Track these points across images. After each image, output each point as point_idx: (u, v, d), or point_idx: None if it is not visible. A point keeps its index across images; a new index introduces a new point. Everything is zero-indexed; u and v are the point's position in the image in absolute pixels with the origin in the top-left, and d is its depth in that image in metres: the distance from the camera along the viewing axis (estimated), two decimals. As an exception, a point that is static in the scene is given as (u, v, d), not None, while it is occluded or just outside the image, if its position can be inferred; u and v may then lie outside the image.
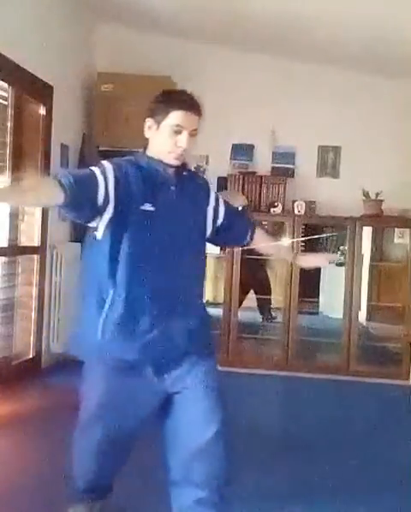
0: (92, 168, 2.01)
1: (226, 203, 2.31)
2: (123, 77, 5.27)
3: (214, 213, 2.24)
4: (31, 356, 4.62)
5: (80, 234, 5.28)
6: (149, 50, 5.40)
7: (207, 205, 2.23)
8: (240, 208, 2.34)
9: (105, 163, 2.04)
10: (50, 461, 3.08)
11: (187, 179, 2.18)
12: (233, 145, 5.52)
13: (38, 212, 4.62)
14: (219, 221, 2.25)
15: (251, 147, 5.48)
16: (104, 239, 2.01)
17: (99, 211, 1.97)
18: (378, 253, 5.57)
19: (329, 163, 5.51)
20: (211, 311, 5.36)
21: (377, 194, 5.13)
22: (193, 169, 2.27)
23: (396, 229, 5.60)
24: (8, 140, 4.18)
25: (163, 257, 2.02)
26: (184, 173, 2.17)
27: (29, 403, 3.97)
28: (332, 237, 5.68)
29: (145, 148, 2.18)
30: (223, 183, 5.51)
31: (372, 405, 4.32)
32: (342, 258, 2.97)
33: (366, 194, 5.15)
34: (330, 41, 4.76)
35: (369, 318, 6.07)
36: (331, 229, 5.46)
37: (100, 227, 2.00)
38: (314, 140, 5.45)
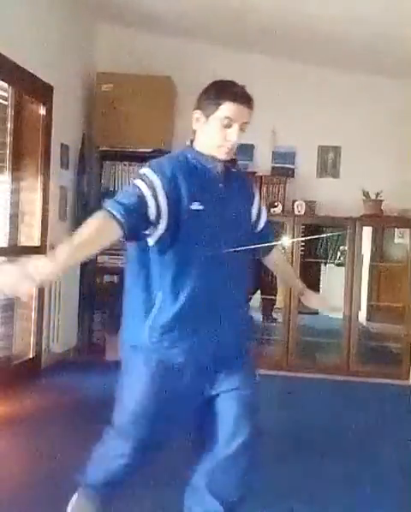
0: (139, 184, 1.90)
1: (264, 212, 2.22)
2: (123, 77, 5.27)
3: (256, 216, 2.16)
4: (31, 356, 4.62)
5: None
6: (149, 50, 5.40)
7: (252, 205, 2.15)
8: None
9: (150, 174, 1.93)
10: (50, 461, 3.08)
11: (235, 176, 2.07)
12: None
13: (38, 212, 4.62)
14: (259, 226, 2.17)
15: (251, 147, 5.47)
16: (154, 242, 1.95)
17: (154, 225, 1.90)
18: (378, 253, 5.57)
19: (329, 163, 5.51)
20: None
21: (377, 194, 5.13)
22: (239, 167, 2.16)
23: (396, 229, 5.60)
24: (8, 140, 4.18)
25: (211, 257, 1.94)
26: (233, 169, 2.06)
27: (29, 403, 3.97)
28: (332, 237, 5.67)
29: (192, 141, 2.11)
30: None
31: (372, 405, 4.32)
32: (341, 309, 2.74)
33: (366, 194, 5.15)
34: (330, 41, 4.76)
35: (369, 318, 6.06)
36: (331, 229, 5.46)
37: (153, 235, 1.92)
38: (314, 140, 5.45)
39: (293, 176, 5.52)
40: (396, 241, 5.62)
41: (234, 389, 2.01)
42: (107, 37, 5.54)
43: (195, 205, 1.90)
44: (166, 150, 5.40)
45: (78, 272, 5.15)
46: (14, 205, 4.28)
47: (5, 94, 4.17)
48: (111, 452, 2.15)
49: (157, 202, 1.87)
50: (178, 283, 1.91)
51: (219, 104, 1.96)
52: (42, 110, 4.61)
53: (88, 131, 5.42)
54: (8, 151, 4.18)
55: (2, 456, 3.19)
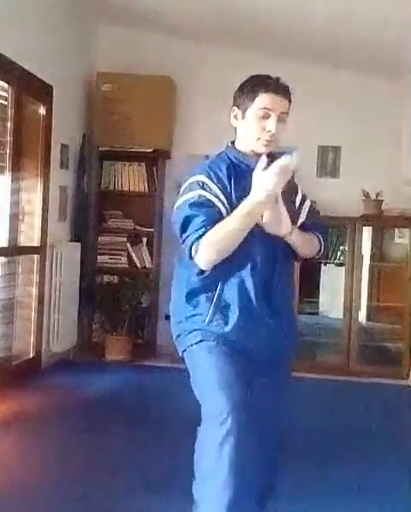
0: (202, 193, 1.93)
1: (309, 201, 2.20)
2: (123, 77, 5.27)
3: (298, 211, 2.14)
4: (31, 356, 4.62)
5: (79, 234, 5.29)
6: (149, 50, 5.40)
7: (295, 201, 2.14)
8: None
9: (206, 180, 1.96)
10: (51, 461, 3.09)
11: None
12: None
13: (38, 212, 4.62)
14: (300, 220, 2.13)
15: (251, 147, 5.47)
16: None
17: None
18: (378, 253, 5.57)
19: (329, 163, 5.51)
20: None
21: (377, 194, 5.12)
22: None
23: (396, 229, 5.60)
24: (8, 140, 4.18)
25: (259, 256, 1.98)
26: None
27: (29, 403, 3.97)
28: (332, 237, 5.66)
29: (233, 142, 2.09)
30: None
31: (372, 405, 4.32)
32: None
33: (366, 194, 5.15)
34: (330, 42, 4.76)
35: (369, 318, 6.06)
36: (331, 229, 5.45)
37: None
38: (314, 140, 5.45)
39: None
40: (396, 241, 5.62)
41: (266, 399, 2.03)
42: (107, 37, 5.54)
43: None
44: (166, 150, 5.42)
45: (78, 272, 5.15)
46: (14, 205, 4.28)
47: (5, 94, 4.17)
48: (215, 439, 1.89)
49: (224, 206, 1.93)
50: (230, 280, 1.97)
51: (255, 97, 1.96)
52: (42, 110, 4.61)
53: (88, 131, 5.42)
54: (8, 151, 4.18)
55: (2, 456, 3.19)
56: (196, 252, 1.89)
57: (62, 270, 4.85)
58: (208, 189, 1.93)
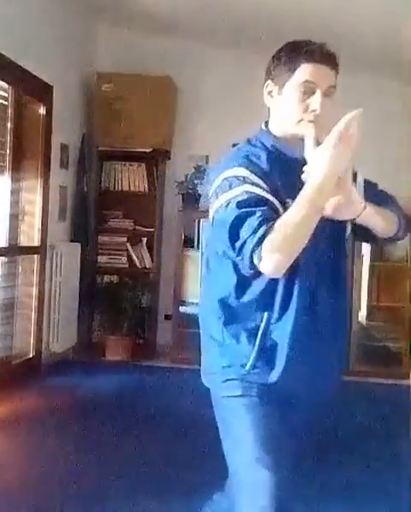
0: (251, 190, 1.51)
1: (370, 185, 1.79)
2: (123, 77, 5.27)
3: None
4: (31, 356, 4.62)
5: (79, 234, 5.29)
6: (149, 50, 5.39)
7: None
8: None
9: (248, 174, 1.54)
10: (50, 461, 3.08)
11: None
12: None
13: (38, 212, 4.62)
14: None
15: (251, 147, 5.47)
16: None
17: None
18: (378, 253, 5.56)
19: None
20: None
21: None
22: None
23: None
24: (8, 140, 4.18)
25: (313, 266, 1.58)
26: None
27: (29, 403, 3.97)
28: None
29: (266, 123, 1.70)
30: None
31: (372, 405, 4.32)
32: None
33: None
34: (330, 42, 4.75)
35: (369, 318, 6.06)
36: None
37: None
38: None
39: None
40: (396, 240, 5.62)
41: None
42: (107, 37, 5.54)
43: (289, 203, 1.50)
44: (166, 150, 5.42)
45: (78, 272, 5.15)
46: (14, 205, 4.28)
47: (5, 94, 4.18)
48: None
49: (279, 201, 1.54)
50: (288, 299, 1.56)
51: (295, 68, 1.56)
52: (42, 110, 4.61)
53: (88, 131, 5.42)
54: (8, 151, 4.18)
55: (2, 456, 3.19)
56: (260, 259, 1.45)
57: (62, 270, 4.85)
58: (254, 183, 1.52)
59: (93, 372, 4.81)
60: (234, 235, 1.50)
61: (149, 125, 5.15)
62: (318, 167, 1.46)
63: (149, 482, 2.88)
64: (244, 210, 1.49)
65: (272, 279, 1.54)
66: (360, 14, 4.17)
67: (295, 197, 1.47)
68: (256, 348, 1.58)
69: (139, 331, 5.43)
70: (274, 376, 1.58)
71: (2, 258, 4.22)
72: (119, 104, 5.19)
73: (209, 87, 5.48)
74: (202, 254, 5.53)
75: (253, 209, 1.48)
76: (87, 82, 5.43)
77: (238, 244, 1.49)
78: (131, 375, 4.81)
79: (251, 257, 1.47)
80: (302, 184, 1.48)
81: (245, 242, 1.47)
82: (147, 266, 5.50)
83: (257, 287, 1.58)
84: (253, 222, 1.47)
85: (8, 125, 4.19)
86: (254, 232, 1.46)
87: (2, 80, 4.08)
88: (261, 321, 1.57)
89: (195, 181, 5.37)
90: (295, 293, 1.56)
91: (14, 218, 4.31)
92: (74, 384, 4.48)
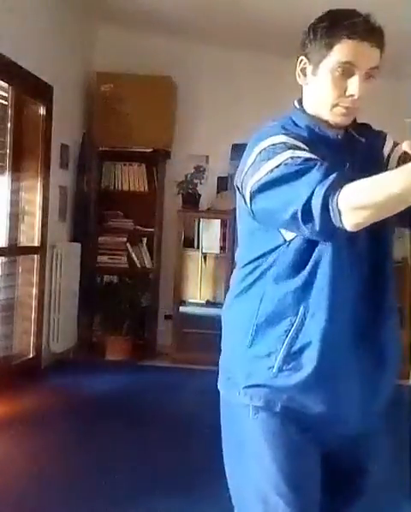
0: (299, 155, 1.29)
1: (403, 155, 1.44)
2: (123, 77, 5.27)
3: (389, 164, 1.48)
4: (31, 356, 4.61)
5: (79, 234, 5.29)
6: (149, 50, 5.39)
7: (383, 155, 1.50)
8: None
9: (291, 141, 1.33)
10: (50, 461, 3.09)
11: (366, 148, 1.46)
12: (233, 145, 5.51)
13: (38, 212, 4.62)
14: None
15: (251, 147, 5.47)
16: (292, 242, 1.38)
17: None
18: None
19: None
20: (211, 311, 5.43)
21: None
22: (366, 126, 1.55)
23: (396, 229, 5.60)
24: (8, 140, 4.18)
25: (349, 265, 1.39)
26: (361, 139, 1.46)
27: (29, 403, 3.97)
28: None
29: (300, 100, 1.48)
30: (223, 183, 5.52)
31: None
32: None
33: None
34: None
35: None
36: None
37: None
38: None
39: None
40: (396, 240, 5.63)
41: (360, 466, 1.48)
42: (107, 37, 5.54)
43: None
44: (166, 150, 5.42)
45: (78, 272, 5.15)
46: (14, 205, 4.28)
47: (5, 94, 4.18)
48: None
49: None
50: (320, 298, 1.36)
51: (332, 44, 1.35)
52: (42, 110, 4.61)
53: (88, 131, 5.42)
54: (8, 151, 4.18)
55: (2, 456, 3.19)
56: (337, 207, 1.19)
57: (62, 270, 4.85)
58: (300, 148, 1.31)
59: (93, 372, 4.80)
60: (288, 197, 1.25)
61: (149, 125, 5.15)
62: None
63: (149, 482, 2.88)
64: (299, 166, 1.26)
65: (310, 269, 1.35)
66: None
67: None
68: (285, 346, 1.36)
69: (139, 331, 5.43)
70: (301, 377, 1.35)
71: (2, 258, 4.22)
72: (119, 103, 5.19)
73: (209, 87, 5.48)
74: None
75: (309, 164, 1.25)
76: (87, 82, 5.43)
77: (297, 204, 1.23)
78: (131, 375, 4.81)
79: (324, 208, 1.20)
80: (336, 165, 1.28)
81: (313, 194, 1.21)
82: (147, 266, 5.50)
83: (296, 279, 1.37)
84: (315, 173, 1.23)
85: (9, 125, 4.19)
86: (322, 180, 1.21)
87: (2, 80, 4.08)
88: (295, 316, 1.37)
89: (195, 181, 5.37)
90: (330, 287, 1.35)
91: (14, 218, 4.31)
92: (74, 384, 4.48)
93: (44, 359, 4.76)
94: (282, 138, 1.34)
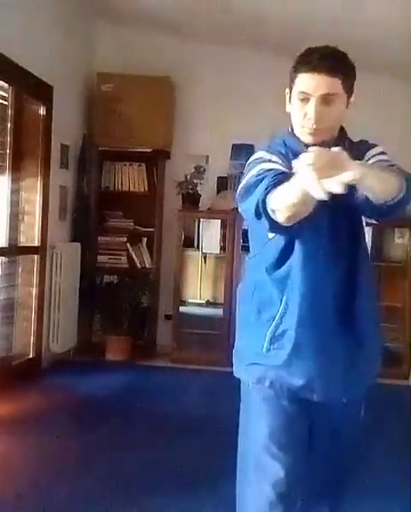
0: (270, 166, 1.60)
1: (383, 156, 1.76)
2: (123, 77, 5.27)
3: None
4: (31, 356, 4.62)
5: (79, 234, 5.29)
6: (149, 50, 5.39)
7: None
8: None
9: (268, 155, 1.66)
10: (50, 461, 3.09)
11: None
12: (233, 145, 5.52)
13: (38, 212, 4.63)
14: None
15: (251, 147, 5.47)
16: (274, 239, 1.67)
17: None
18: (378, 253, 5.56)
19: (329, 162, 5.49)
20: (211, 311, 5.44)
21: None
22: (360, 143, 1.82)
23: (396, 229, 5.60)
24: (8, 140, 4.18)
25: (324, 258, 1.63)
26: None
27: (29, 403, 3.97)
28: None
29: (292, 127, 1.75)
30: (223, 183, 5.52)
31: (371, 405, 4.31)
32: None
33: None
34: (331, 41, 4.74)
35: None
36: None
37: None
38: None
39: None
40: (396, 241, 5.61)
41: (334, 429, 1.79)
42: (107, 37, 5.54)
43: None
44: (166, 150, 5.42)
45: (78, 272, 5.15)
46: (14, 205, 4.28)
47: (5, 94, 4.17)
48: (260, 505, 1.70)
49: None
50: (295, 288, 1.63)
51: (295, 77, 1.64)
52: (42, 110, 4.61)
53: (88, 131, 5.42)
54: (8, 151, 4.18)
55: (3, 456, 3.19)
56: (266, 205, 1.50)
57: (62, 270, 4.85)
58: (271, 160, 1.63)
59: (93, 372, 4.80)
60: (250, 195, 1.57)
61: (149, 125, 5.15)
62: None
63: (149, 482, 2.88)
64: (261, 176, 1.57)
65: (289, 263, 1.63)
66: (362, 15, 4.17)
67: None
68: (271, 329, 1.66)
69: (139, 331, 5.43)
70: (282, 358, 1.65)
71: (2, 258, 4.22)
72: (119, 104, 5.19)
73: (209, 87, 5.48)
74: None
75: (268, 174, 1.56)
76: (87, 82, 5.43)
77: (251, 198, 1.55)
78: (131, 375, 4.81)
79: (261, 203, 1.50)
80: None
81: (258, 191, 1.53)
82: (147, 266, 5.50)
83: (279, 270, 1.66)
84: (266, 181, 1.53)
85: (8, 125, 4.19)
86: (267, 185, 1.51)
87: (2, 80, 4.08)
88: (279, 305, 1.65)
89: (195, 181, 5.37)
90: (303, 277, 1.62)
91: (14, 218, 4.30)
92: (74, 383, 4.48)
93: (44, 359, 4.76)
94: (261, 153, 1.68)
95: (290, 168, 1.51)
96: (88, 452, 3.23)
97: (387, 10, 4.02)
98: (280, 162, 1.62)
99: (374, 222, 1.77)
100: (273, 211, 1.49)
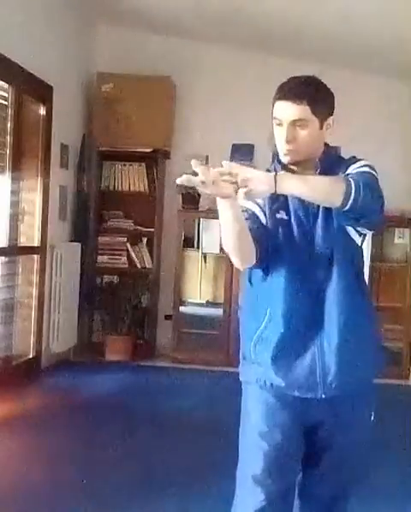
0: (244, 204, 1.77)
1: (360, 168, 1.84)
2: (123, 77, 5.27)
3: None
4: (31, 356, 4.62)
5: (79, 234, 5.29)
6: (149, 50, 5.40)
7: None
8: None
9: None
10: (50, 461, 3.09)
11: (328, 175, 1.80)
12: (233, 145, 5.51)
13: (38, 212, 4.63)
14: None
15: (251, 147, 5.47)
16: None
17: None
18: (378, 254, 5.56)
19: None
20: (211, 311, 5.43)
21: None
22: (346, 159, 1.92)
23: (396, 230, 5.60)
24: (8, 140, 4.18)
25: (305, 268, 1.76)
26: (317, 172, 1.82)
27: (29, 403, 3.97)
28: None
29: None
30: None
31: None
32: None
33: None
34: (331, 41, 4.76)
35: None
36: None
37: None
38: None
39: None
40: (396, 241, 5.61)
41: (333, 435, 1.83)
42: (107, 37, 5.54)
43: (281, 214, 1.79)
44: (166, 150, 5.42)
45: (78, 272, 5.16)
46: (14, 205, 4.28)
47: (5, 94, 4.17)
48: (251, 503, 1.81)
49: (263, 212, 1.80)
50: (277, 297, 1.78)
51: (274, 103, 1.82)
52: (42, 110, 4.61)
53: (88, 131, 5.42)
54: (8, 151, 4.18)
55: (3, 456, 3.19)
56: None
57: (62, 270, 4.85)
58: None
59: (93, 372, 4.81)
60: None
61: (149, 125, 5.15)
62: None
63: (148, 482, 2.88)
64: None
65: (273, 279, 1.79)
66: (362, 14, 4.17)
67: (286, 209, 1.78)
68: (254, 336, 1.82)
69: (139, 331, 5.43)
70: (265, 364, 1.80)
71: (2, 258, 4.22)
72: (119, 104, 5.19)
73: (209, 88, 5.48)
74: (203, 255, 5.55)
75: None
76: (87, 82, 5.43)
77: None
78: (131, 375, 4.81)
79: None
80: (292, 198, 1.76)
81: None
82: (147, 266, 5.50)
83: (263, 285, 1.83)
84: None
85: (8, 125, 4.19)
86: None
87: (2, 80, 4.08)
88: (265, 314, 1.80)
89: (195, 181, 5.37)
90: (284, 292, 1.78)
91: (14, 218, 4.30)
92: (74, 383, 4.48)
93: (44, 359, 4.76)
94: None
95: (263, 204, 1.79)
96: (88, 452, 3.23)
97: (387, 10, 4.02)
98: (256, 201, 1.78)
99: (368, 231, 1.84)
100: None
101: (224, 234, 1.73)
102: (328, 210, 1.74)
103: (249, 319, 1.88)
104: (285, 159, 1.81)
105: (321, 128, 1.81)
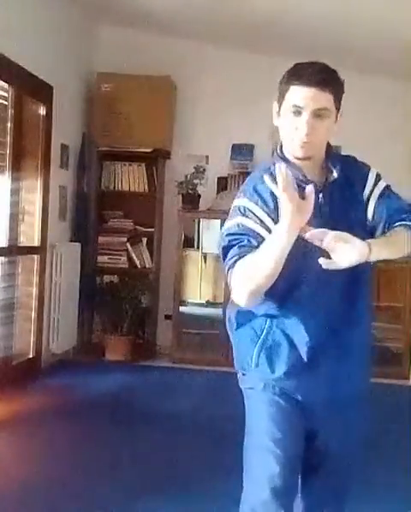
0: (244, 223, 1.65)
1: (380, 187, 1.79)
2: (123, 77, 5.27)
3: (372, 208, 1.74)
4: (31, 356, 4.62)
5: (79, 234, 5.30)
6: (149, 50, 5.39)
7: (362, 198, 1.74)
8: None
9: (250, 205, 1.67)
10: (50, 461, 3.09)
11: (340, 179, 1.71)
12: (233, 145, 5.52)
13: (38, 212, 4.62)
14: (369, 222, 1.73)
15: (251, 147, 5.48)
16: None
17: None
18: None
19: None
20: (211, 311, 5.43)
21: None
22: (349, 159, 1.82)
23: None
24: (8, 140, 4.18)
25: (317, 275, 1.62)
26: (333, 172, 1.70)
27: (29, 403, 3.97)
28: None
29: (282, 145, 1.74)
30: (223, 183, 5.52)
31: (372, 405, 4.31)
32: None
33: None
34: (330, 41, 4.75)
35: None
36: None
37: None
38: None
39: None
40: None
41: (333, 440, 1.87)
42: (107, 37, 5.54)
43: None
44: (166, 150, 5.42)
45: (78, 272, 5.16)
46: (14, 205, 4.28)
47: (5, 94, 4.18)
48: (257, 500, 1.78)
49: (268, 230, 1.63)
50: (280, 311, 1.72)
51: (286, 91, 1.64)
52: (42, 110, 4.61)
53: (88, 131, 5.42)
54: (8, 151, 4.18)
55: (2, 456, 3.19)
56: (231, 285, 1.64)
57: (62, 270, 4.85)
58: (250, 215, 1.66)
59: (93, 372, 4.81)
60: (223, 260, 1.67)
61: (149, 125, 5.15)
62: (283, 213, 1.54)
63: (148, 482, 2.88)
64: (232, 241, 1.66)
65: (277, 285, 1.62)
66: (362, 14, 4.17)
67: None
68: (256, 347, 1.75)
69: (139, 331, 5.44)
70: (275, 375, 1.74)
71: (2, 258, 4.22)
72: (119, 103, 5.20)
73: (209, 87, 5.48)
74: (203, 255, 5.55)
75: (239, 238, 1.64)
76: (87, 82, 5.43)
77: (225, 268, 1.65)
78: (131, 375, 4.81)
79: (230, 280, 1.63)
80: (317, 199, 1.61)
81: (225, 267, 1.65)
82: (147, 266, 5.50)
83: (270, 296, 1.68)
84: (233, 251, 1.64)
85: (8, 125, 4.19)
86: (230, 259, 1.63)
87: (2, 80, 4.08)
88: (265, 324, 1.74)
89: (195, 181, 5.37)
90: (299, 293, 1.68)
91: (14, 218, 4.30)
92: (74, 384, 4.48)
93: (44, 359, 4.76)
94: (244, 202, 1.68)
95: (273, 211, 1.64)
96: (88, 452, 3.23)
97: (385, 10, 4.02)
98: (260, 213, 1.66)
99: None
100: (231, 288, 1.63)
101: (262, 269, 1.56)
102: (356, 219, 1.70)
103: (246, 329, 1.79)
104: (300, 152, 1.64)
105: (335, 121, 1.67)
